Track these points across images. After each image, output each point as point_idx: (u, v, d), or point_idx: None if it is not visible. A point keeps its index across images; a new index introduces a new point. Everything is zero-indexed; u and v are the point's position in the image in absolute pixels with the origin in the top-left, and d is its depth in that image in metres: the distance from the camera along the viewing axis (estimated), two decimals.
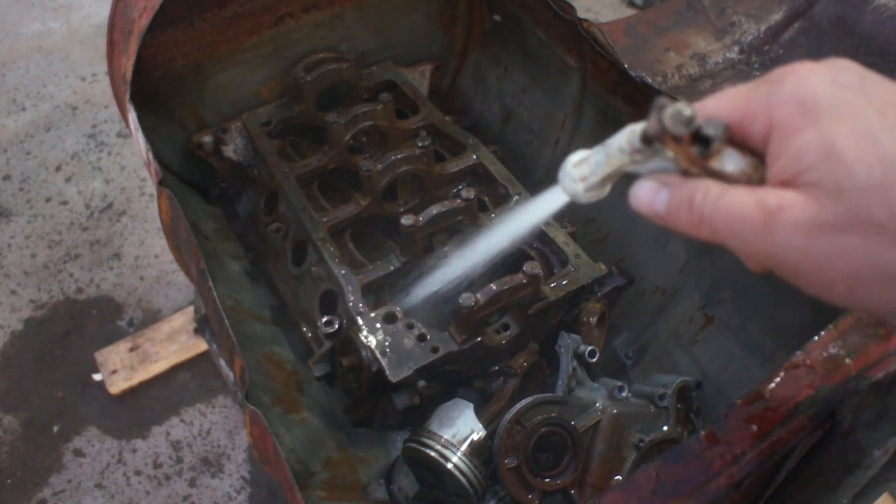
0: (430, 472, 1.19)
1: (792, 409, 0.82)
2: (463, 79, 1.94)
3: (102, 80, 3.31)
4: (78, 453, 2.09)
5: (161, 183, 1.17)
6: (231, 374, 1.82)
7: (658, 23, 1.77)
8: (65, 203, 2.78)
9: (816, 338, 0.88)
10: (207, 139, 1.63)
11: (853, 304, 0.54)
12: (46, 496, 2.00)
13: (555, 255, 1.41)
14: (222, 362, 1.89)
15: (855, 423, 0.84)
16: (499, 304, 1.22)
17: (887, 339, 0.87)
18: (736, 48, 1.75)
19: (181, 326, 2.26)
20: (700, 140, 0.54)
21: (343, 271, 1.33)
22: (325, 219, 1.43)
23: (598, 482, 1.17)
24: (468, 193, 1.35)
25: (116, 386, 2.16)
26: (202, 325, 2.15)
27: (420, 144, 1.46)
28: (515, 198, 1.46)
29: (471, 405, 1.22)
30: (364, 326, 1.23)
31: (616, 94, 1.48)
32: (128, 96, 1.24)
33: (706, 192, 0.55)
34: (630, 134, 0.57)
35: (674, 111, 0.52)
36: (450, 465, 1.14)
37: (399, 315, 1.25)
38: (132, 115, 1.23)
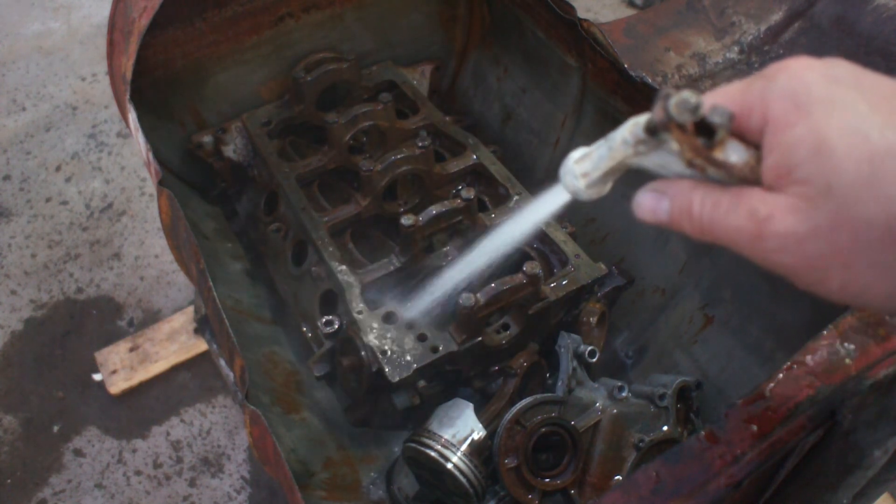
0: (430, 472, 1.19)
1: (792, 409, 0.82)
2: (463, 79, 1.94)
3: (102, 80, 3.31)
4: (78, 453, 2.09)
5: (161, 183, 1.17)
6: (231, 374, 1.82)
7: (658, 23, 1.77)
8: (65, 203, 2.78)
9: (816, 338, 0.88)
10: (207, 139, 1.63)
11: (849, 301, 0.54)
12: (46, 496, 2.00)
13: (555, 255, 1.40)
14: (222, 362, 1.89)
15: (855, 423, 0.84)
16: (499, 304, 1.22)
17: (887, 339, 0.87)
18: (736, 48, 1.75)
19: (181, 326, 2.26)
20: (704, 132, 0.54)
21: (343, 271, 1.33)
22: (325, 219, 1.43)
23: (598, 482, 1.17)
24: (468, 193, 1.35)
25: (116, 386, 2.16)
26: (202, 325, 2.15)
27: (420, 144, 1.46)
28: (515, 198, 1.46)
29: (471, 405, 1.22)
30: (364, 326, 1.23)
31: (616, 94, 1.48)
32: (128, 96, 1.24)
33: (702, 202, 0.56)
34: (633, 125, 0.57)
35: (679, 99, 0.51)
36: (450, 465, 1.14)
37: (399, 315, 1.25)
38: (132, 115, 1.23)
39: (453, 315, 1.22)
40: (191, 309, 2.25)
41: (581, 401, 1.21)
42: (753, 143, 0.56)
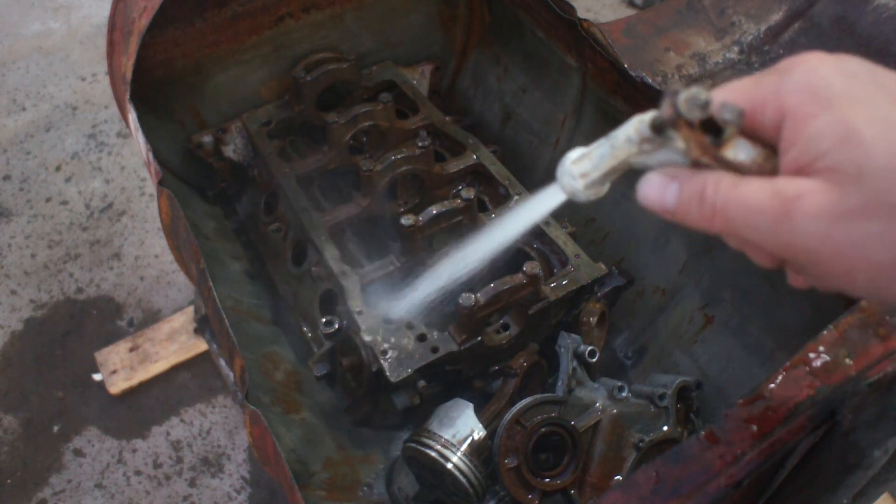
0: (430, 472, 1.19)
1: (792, 409, 0.82)
2: (463, 79, 1.94)
3: (102, 80, 3.31)
4: (78, 453, 2.09)
5: (161, 183, 1.17)
6: (231, 374, 1.82)
7: (658, 23, 1.77)
8: (65, 203, 2.78)
9: (816, 338, 0.88)
10: (207, 139, 1.63)
11: (873, 294, 0.53)
12: (46, 496, 2.00)
13: (555, 255, 1.41)
14: (222, 362, 1.89)
15: (855, 423, 0.84)
16: (499, 304, 1.22)
17: (887, 339, 0.87)
18: (736, 48, 1.75)
19: (181, 326, 2.26)
20: (711, 129, 0.53)
21: (343, 271, 1.33)
22: (325, 219, 1.43)
23: (598, 482, 1.17)
24: (468, 193, 1.35)
25: (116, 386, 2.16)
26: (202, 325, 2.15)
27: (420, 144, 1.46)
28: (515, 198, 1.46)
29: (471, 405, 1.22)
30: (364, 326, 1.23)
31: (616, 94, 1.48)
32: (128, 96, 1.24)
33: (717, 183, 0.54)
34: (639, 123, 0.55)
35: (689, 95, 0.51)
36: (450, 465, 1.14)
37: (390, 313, 1.25)
38: (132, 115, 1.23)
39: (445, 314, 1.22)
40: (191, 309, 2.25)
41: (581, 401, 1.21)
42: (766, 140, 0.55)
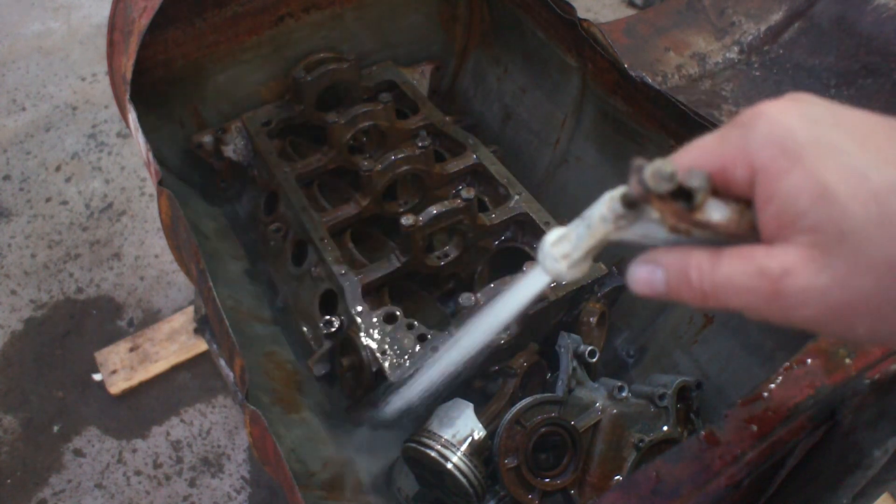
0: (430, 472, 1.19)
1: (792, 409, 0.82)
2: (463, 79, 1.94)
3: (102, 80, 3.31)
4: (78, 453, 2.09)
5: (161, 183, 1.17)
6: (231, 374, 1.82)
7: (658, 23, 1.77)
8: (65, 203, 2.78)
9: (817, 338, 0.88)
10: (207, 139, 1.63)
11: (877, 341, 0.53)
12: (46, 496, 2.00)
13: None
14: (222, 362, 1.89)
15: (855, 423, 0.84)
16: None
17: None
18: (736, 48, 1.75)
19: (181, 326, 2.26)
20: (683, 195, 0.53)
21: (343, 271, 1.33)
22: (325, 219, 1.43)
23: (598, 482, 1.17)
24: (468, 193, 1.35)
25: (116, 386, 2.16)
26: (202, 325, 2.15)
27: (420, 144, 1.46)
28: (515, 198, 1.46)
29: (471, 405, 1.22)
30: (364, 326, 1.23)
31: (616, 94, 1.48)
32: (128, 96, 1.24)
33: (699, 267, 0.54)
34: (610, 201, 0.55)
35: (653, 170, 0.51)
36: (450, 465, 1.14)
37: (399, 315, 1.25)
38: (132, 115, 1.23)
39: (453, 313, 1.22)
40: (191, 309, 2.25)
41: (581, 401, 1.21)
42: (739, 197, 0.55)
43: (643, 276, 0.58)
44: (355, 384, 1.27)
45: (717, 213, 0.54)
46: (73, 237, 2.65)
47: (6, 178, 2.89)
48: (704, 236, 0.54)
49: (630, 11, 3.52)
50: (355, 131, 1.56)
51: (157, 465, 2.05)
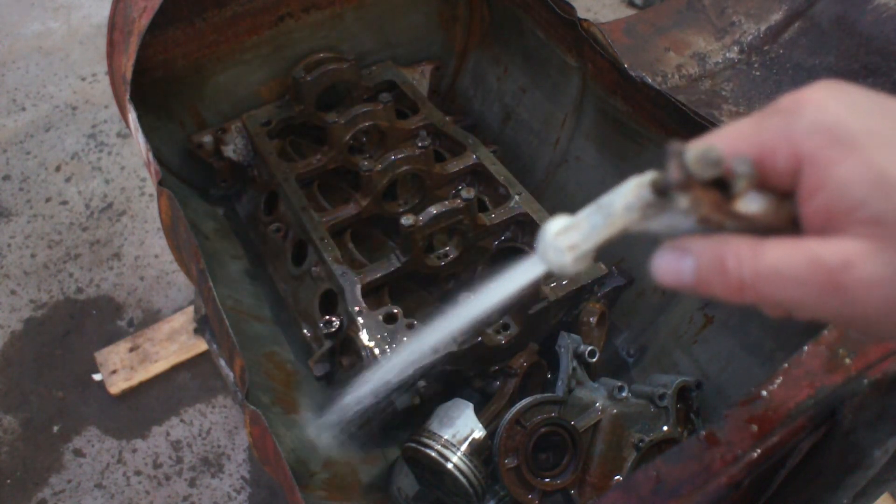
0: (430, 472, 1.19)
1: (792, 409, 0.82)
2: (463, 79, 1.94)
3: (102, 80, 3.31)
4: (78, 453, 2.09)
5: (161, 183, 1.17)
6: (231, 374, 1.82)
7: (658, 23, 1.77)
8: (65, 203, 2.78)
9: (817, 338, 0.88)
10: (207, 139, 1.63)
11: None
12: (46, 496, 2.00)
13: None
14: (222, 362, 1.89)
15: (855, 423, 0.84)
16: None
17: None
18: (736, 48, 1.75)
19: (181, 326, 2.26)
20: (718, 184, 0.49)
21: (343, 271, 1.33)
22: (325, 219, 1.43)
23: (598, 482, 1.17)
24: (468, 193, 1.35)
25: (116, 386, 2.16)
26: (202, 325, 2.15)
27: (420, 144, 1.46)
28: (516, 198, 1.46)
29: (471, 405, 1.22)
30: (364, 326, 1.23)
31: (616, 94, 1.48)
32: (128, 96, 1.24)
33: (737, 253, 0.49)
34: (637, 188, 0.50)
35: (698, 154, 0.46)
36: (450, 465, 1.14)
37: (399, 315, 1.25)
38: (132, 115, 1.24)
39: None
40: (191, 309, 2.25)
41: (581, 401, 1.21)
42: (776, 187, 0.51)
43: (669, 264, 0.54)
44: None
45: (754, 203, 0.50)
46: (73, 237, 2.65)
47: (6, 178, 2.89)
48: (736, 228, 0.50)
49: (630, 11, 3.52)
50: (355, 131, 1.56)
51: (157, 465, 2.05)
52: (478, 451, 1.18)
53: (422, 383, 1.24)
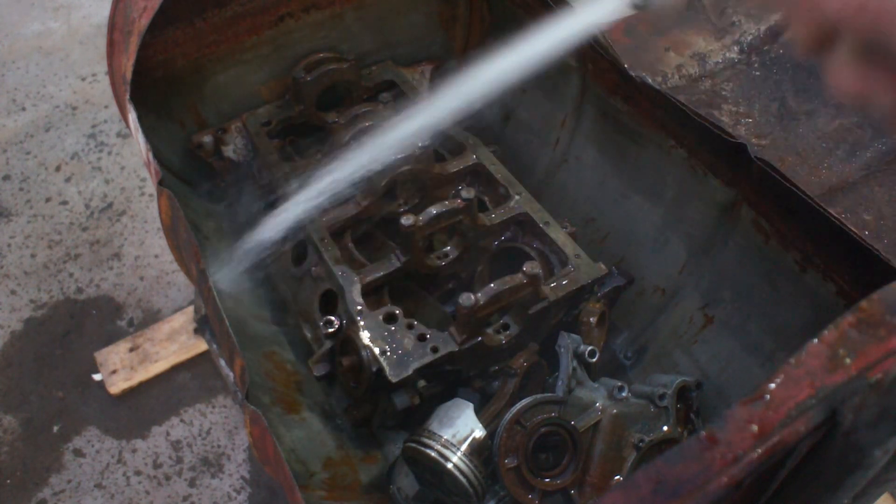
0: (430, 472, 1.19)
1: (792, 409, 0.82)
2: None
3: (102, 80, 3.31)
4: (78, 453, 2.09)
5: (161, 183, 1.17)
6: (231, 374, 1.82)
7: (658, 23, 1.77)
8: (65, 203, 2.78)
9: (817, 338, 0.88)
10: (207, 139, 1.63)
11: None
12: (46, 496, 2.00)
13: (555, 255, 1.40)
14: (222, 362, 1.89)
15: (855, 423, 0.84)
16: (499, 305, 1.22)
17: (887, 339, 0.87)
18: (736, 48, 1.75)
19: (181, 326, 2.25)
20: None
21: (343, 271, 1.33)
22: (325, 219, 1.43)
23: (598, 482, 1.17)
24: (468, 193, 1.35)
25: (116, 386, 2.16)
26: (202, 325, 2.15)
27: (420, 144, 1.46)
28: (516, 197, 1.46)
29: (471, 405, 1.22)
30: (364, 326, 1.23)
31: (616, 94, 1.48)
32: (128, 96, 1.24)
33: None
34: None
35: None
36: (450, 465, 1.14)
37: (399, 315, 1.25)
38: (132, 115, 1.24)
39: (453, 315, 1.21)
40: (191, 309, 2.25)
41: (581, 401, 1.21)
42: None
43: None
44: (355, 384, 1.27)
45: None
46: (73, 237, 2.65)
47: (6, 178, 2.89)
48: None
49: (630, 11, 3.51)
50: (355, 131, 1.56)
51: (157, 465, 2.05)
52: (478, 451, 1.18)
53: (422, 383, 1.24)
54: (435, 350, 1.20)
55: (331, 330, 1.27)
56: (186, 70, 1.60)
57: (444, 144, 1.64)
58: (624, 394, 1.20)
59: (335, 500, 1.19)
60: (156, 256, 2.57)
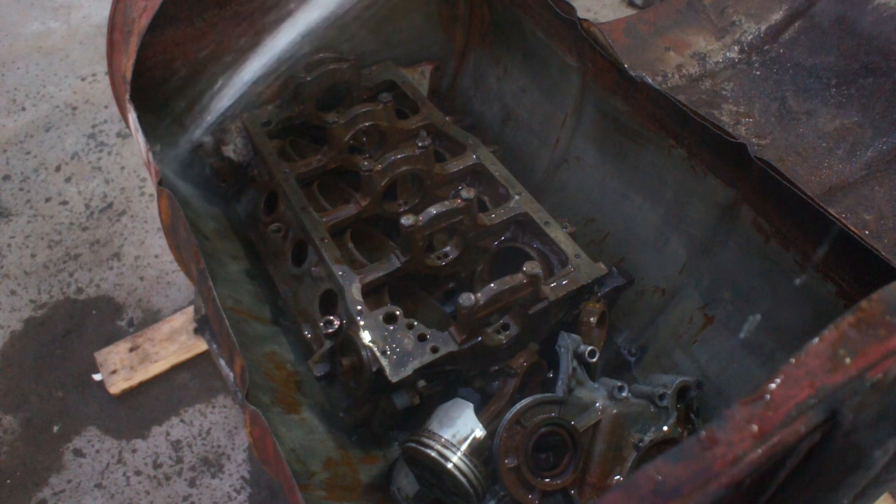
0: (430, 472, 1.19)
1: (792, 409, 0.82)
2: (463, 79, 1.94)
3: (102, 80, 3.31)
4: (78, 453, 2.09)
5: (161, 183, 1.17)
6: (231, 374, 1.82)
7: (658, 22, 1.77)
8: (65, 203, 2.78)
9: (817, 338, 0.88)
10: (207, 139, 1.63)
11: None
12: (46, 496, 2.00)
13: (555, 254, 1.40)
14: (222, 362, 1.89)
15: (855, 423, 0.84)
16: (499, 305, 1.22)
17: (887, 339, 0.87)
18: (736, 48, 1.75)
19: (181, 326, 2.25)
20: None
21: (343, 271, 1.33)
22: (325, 219, 1.43)
23: (598, 482, 1.17)
24: (468, 193, 1.35)
25: (116, 386, 2.16)
26: (202, 325, 2.15)
27: (420, 144, 1.46)
28: (516, 197, 1.46)
29: (471, 405, 1.22)
30: (364, 326, 1.23)
31: (616, 94, 1.48)
32: (128, 96, 1.24)
33: None
34: None
35: None
36: (450, 465, 1.14)
37: (399, 315, 1.25)
38: (132, 115, 1.24)
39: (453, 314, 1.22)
40: (191, 309, 2.25)
41: (581, 401, 1.21)
42: None
43: None
44: (355, 384, 1.27)
45: None
46: (73, 237, 2.65)
47: (6, 178, 2.89)
48: None
49: (630, 11, 3.52)
50: (355, 131, 1.56)
51: (157, 465, 2.05)
52: (478, 451, 1.18)
53: (422, 383, 1.24)
54: (435, 350, 1.20)
55: (331, 330, 1.27)
56: (186, 70, 1.60)
57: (444, 144, 1.64)
58: (624, 394, 1.20)
59: (335, 500, 1.19)
60: (156, 256, 2.57)
